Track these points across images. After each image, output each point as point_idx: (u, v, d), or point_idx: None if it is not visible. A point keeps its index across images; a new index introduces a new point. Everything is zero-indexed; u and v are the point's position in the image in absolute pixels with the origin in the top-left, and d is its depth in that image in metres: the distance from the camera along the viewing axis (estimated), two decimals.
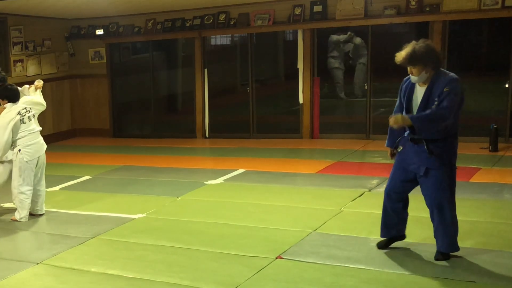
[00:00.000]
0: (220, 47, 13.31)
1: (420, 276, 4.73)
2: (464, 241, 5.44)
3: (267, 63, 13.73)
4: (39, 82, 7.09)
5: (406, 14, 9.97)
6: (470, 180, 7.61)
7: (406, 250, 5.31)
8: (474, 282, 4.59)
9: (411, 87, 4.99)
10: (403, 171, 5.07)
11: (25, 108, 6.72)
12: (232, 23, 11.18)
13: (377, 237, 5.69)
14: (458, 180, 7.52)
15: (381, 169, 8.43)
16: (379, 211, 6.42)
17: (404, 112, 4.98)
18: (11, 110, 6.63)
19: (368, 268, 4.96)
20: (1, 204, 7.39)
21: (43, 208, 6.98)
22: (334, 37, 12.77)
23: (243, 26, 11.11)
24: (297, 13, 10.65)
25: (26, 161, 6.63)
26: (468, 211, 6.33)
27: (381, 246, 5.33)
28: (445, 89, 4.70)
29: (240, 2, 10.82)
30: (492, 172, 8.01)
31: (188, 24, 11.54)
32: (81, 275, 5.13)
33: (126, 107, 12.98)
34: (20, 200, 6.69)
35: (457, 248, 4.99)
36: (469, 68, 12.14)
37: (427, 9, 9.82)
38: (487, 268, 4.83)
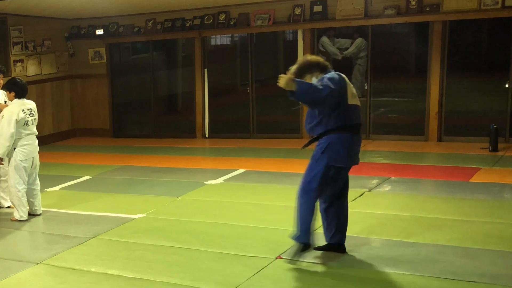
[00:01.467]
0: (220, 47, 13.32)
1: (420, 276, 4.73)
2: (464, 241, 5.45)
3: (267, 63, 13.73)
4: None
5: (406, 14, 9.97)
6: (470, 180, 7.61)
7: (406, 250, 5.31)
8: (474, 282, 4.59)
9: None
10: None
11: (30, 109, 6.77)
12: (232, 23, 11.18)
13: (377, 237, 5.70)
14: (458, 180, 7.60)
15: (381, 169, 8.44)
16: (379, 211, 6.44)
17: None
18: (16, 105, 6.68)
19: (368, 268, 4.96)
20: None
21: (40, 207, 7.02)
22: (337, 41, 12.77)
23: (243, 26, 11.11)
24: (297, 13, 10.65)
25: (21, 160, 6.69)
26: (468, 211, 6.33)
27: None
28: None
29: (240, 2, 10.82)
30: (492, 172, 8.01)
31: (188, 24, 11.54)
32: (81, 275, 5.13)
33: (126, 107, 12.98)
34: (18, 198, 6.73)
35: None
36: (469, 68, 12.15)
37: (427, 9, 9.82)
38: (487, 268, 4.83)
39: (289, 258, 5.19)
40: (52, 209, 7.19)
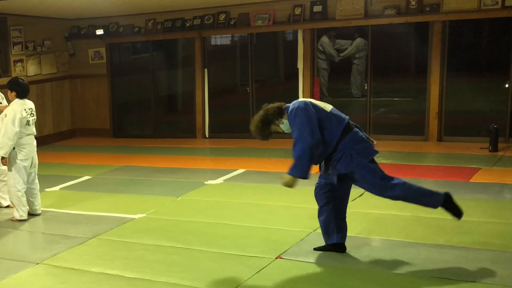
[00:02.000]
0: (220, 47, 13.33)
1: (420, 276, 4.73)
2: (464, 241, 5.45)
3: (267, 63, 13.74)
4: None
5: (406, 14, 9.97)
6: (470, 180, 7.61)
7: (406, 250, 5.31)
8: (474, 282, 4.59)
9: None
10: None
11: (31, 109, 6.79)
12: (232, 23, 11.18)
13: (377, 237, 5.70)
14: (458, 180, 7.60)
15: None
16: (379, 211, 6.44)
17: None
18: (18, 105, 6.70)
19: (368, 268, 4.96)
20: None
21: (40, 207, 7.03)
22: (337, 42, 12.79)
23: (243, 26, 11.10)
24: (297, 13, 10.65)
25: (21, 160, 6.71)
26: (468, 211, 6.32)
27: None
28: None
29: (240, 2, 10.82)
30: (492, 172, 8.01)
31: (188, 24, 11.54)
32: (81, 275, 5.13)
33: (126, 107, 12.98)
34: (18, 198, 6.74)
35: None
36: (469, 68, 12.16)
37: (427, 9, 9.81)
38: (487, 268, 4.83)
39: (289, 258, 5.19)
40: (52, 209, 7.19)
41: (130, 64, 13.11)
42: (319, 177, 5.24)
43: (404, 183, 4.97)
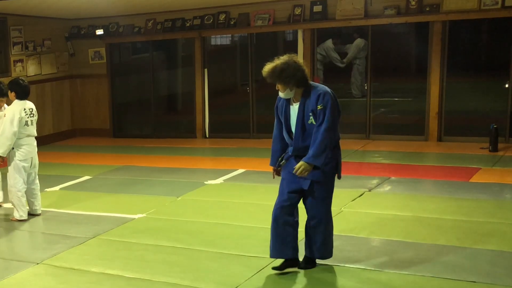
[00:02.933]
0: (220, 47, 13.31)
1: (420, 276, 4.73)
2: (464, 241, 5.45)
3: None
4: None
5: (406, 14, 9.97)
6: (470, 180, 7.61)
7: (406, 250, 5.31)
8: (474, 282, 4.59)
9: (286, 105, 4.89)
10: (291, 183, 4.91)
11: (31, 109, 6.80)
12: (232, 23, 11.18)
13: (377, 237, 5.70)
14: (458, 180, 7.60)
15: (381, 169, 8.44)
16: (379, 211, 6.45)
17: (284, 130, 4.96)
18: (17, 105, 6.71)
19: (368, 268, 4.96)
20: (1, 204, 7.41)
21: (40, 207, 7.02)
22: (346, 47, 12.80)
23: (243, 26, 11.10)
24: (297, 13, 10.65)
25: (20, 160, 6.71)
26: (468, 211, 6.33)
27: (278, 268, 4.95)
28: (318, 107, 4.67)
29: (240, 2, 10.82)
30: (492, 172, 8.01)
31: (188, 24, 11.54)
32: (81, 275, 5.13)
33: (126, 107, 12.98)
34: (18, 198, 6.74)
35: (331, 254, 4.99)
36: (469, 68, 12.15)
37: (427, 9, 9.81)
38: (487, 268, 4.83)
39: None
40: (52, 209, 7.19)
41: (130, 64, 13.10)
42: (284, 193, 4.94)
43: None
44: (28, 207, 6.89)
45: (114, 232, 6.23)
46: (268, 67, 4.83)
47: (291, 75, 4.73)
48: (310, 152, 4.69)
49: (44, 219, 6.88)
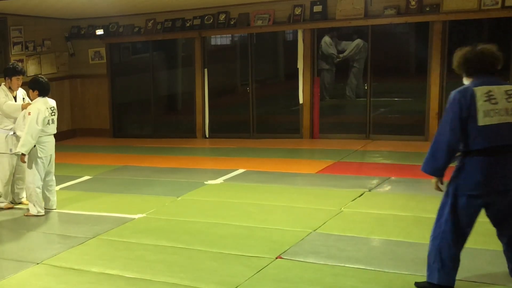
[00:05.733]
0: (220, 47, 13.33)
1: (420, 276, 4.73)
2: None
3: (267, 63, 13.73)
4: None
5: (406, 14, 9.97)
6: None
7: (406, 250, 5.31)
8: (474, 282, 4.59)
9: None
10: None
11: (53, 108, 6.96)
12: (232, 23, 11.18)
13: (377, 237, 5.70)
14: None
15: (381, 169, 8.44)
16: (379, 211, 6.44)
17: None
18: (41, 103, 6.84)
19: (368, 268, 4.96)
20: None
21: (55, 203, 7.18)
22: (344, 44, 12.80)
23: (243, 26, 11.10)
24: (297, 13, 10.65)
25: (39, 158, 6.86)
26: None
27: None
28: None
29: (240, 2, 10.82)
30: None
31: (188, 24, 11.54)
32: (81, 275, 5.13)
33: (126, 107, 12.98)
34: (36, 194, 6.90)
35: None
36: None
37: (427, 9, 9.81)
38: (487, 268, 4.83)
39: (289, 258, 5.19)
40: (52, 209, 7.19)
41: (130, 64, 13.11)
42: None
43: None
44: (44, 203, 7.02)
45: (114, 232, 6.24)
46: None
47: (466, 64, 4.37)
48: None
49: (44, 219, 6.88)
